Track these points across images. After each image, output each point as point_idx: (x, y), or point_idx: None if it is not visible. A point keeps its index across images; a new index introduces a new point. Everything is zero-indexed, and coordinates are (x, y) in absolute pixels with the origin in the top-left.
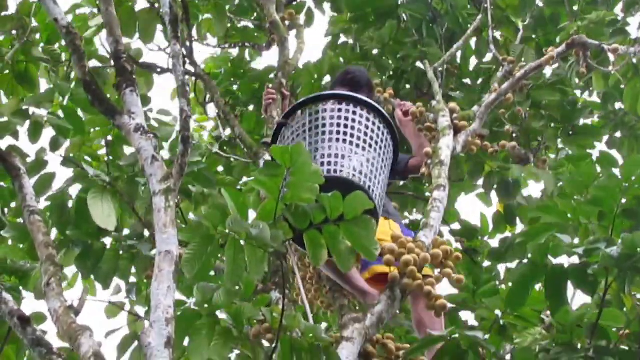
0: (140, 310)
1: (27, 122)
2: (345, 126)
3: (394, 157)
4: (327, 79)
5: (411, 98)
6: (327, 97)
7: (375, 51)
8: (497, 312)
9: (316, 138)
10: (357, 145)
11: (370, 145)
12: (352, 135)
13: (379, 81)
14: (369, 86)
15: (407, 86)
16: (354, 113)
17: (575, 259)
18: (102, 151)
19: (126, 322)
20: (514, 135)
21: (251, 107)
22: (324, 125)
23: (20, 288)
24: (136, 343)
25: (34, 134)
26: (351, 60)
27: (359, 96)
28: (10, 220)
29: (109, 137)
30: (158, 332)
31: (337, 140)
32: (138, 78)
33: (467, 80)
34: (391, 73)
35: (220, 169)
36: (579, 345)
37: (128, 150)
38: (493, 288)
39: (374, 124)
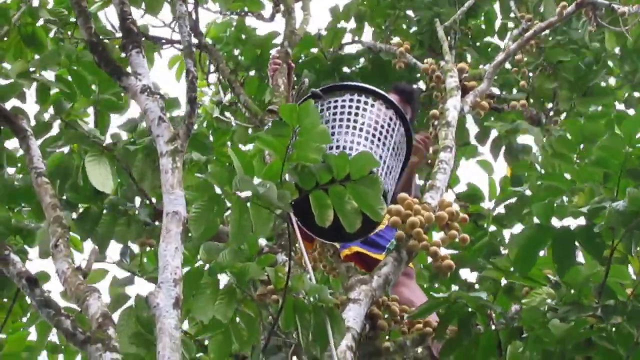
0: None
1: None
2: (362, 116)
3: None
4: (352, 24)
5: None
6: (356, 88)
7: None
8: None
9: (338, 129)
10: (373, 138)
11: (384, 142)
12: (370, 130)
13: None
14: (414, 108)
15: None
16: (372, 106)
17: (581, 221)
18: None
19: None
20: (529, 97)
21: (252, 73)
22: (342, 114)
23: (26, 247)
24: (127, 304)
25: (42, 97)
26: (377, 9)
27: (381, 92)
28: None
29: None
30: (166, 293)
31: (354, 130)
32: None
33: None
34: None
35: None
36: (587, 305)
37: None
38: (487, 243)
39: (390, 119)
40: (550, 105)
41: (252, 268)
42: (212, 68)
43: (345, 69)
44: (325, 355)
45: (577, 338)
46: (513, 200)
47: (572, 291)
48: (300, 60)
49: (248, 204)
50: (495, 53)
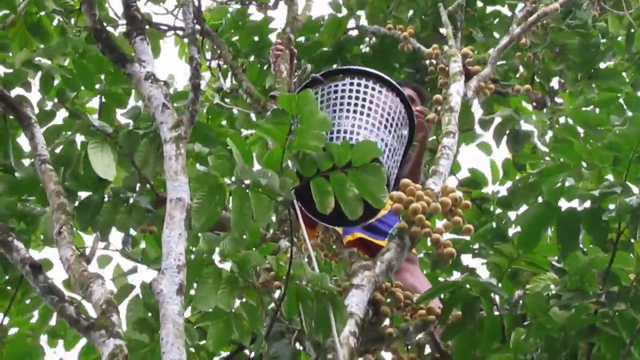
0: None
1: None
2: (364, 100)
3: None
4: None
5: (430, 41)
6: (360, 72)
7: None
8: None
9: (339, 113)
10: (374, 121)
11: (387, 126)
12: (370, 113)
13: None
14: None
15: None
16: (373, 90)
17: (587, 204)
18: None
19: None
20: (534, 78)
21: (251, 58)
22: (342, 98)
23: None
24: (133, 293)
25: (45, 85)
26: None
27: (386, 77)
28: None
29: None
30: (170, 279)
31: (355, 114)
32: None
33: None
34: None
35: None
36: (591, 291)
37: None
38: (490, 228)
39: (392, 102)
40: (555, 87)
41: (254, 256)
42: (211, 54)
43: (347, 55)
44: (328, 342)
45: (580, 324)
46: (519, 183)
47: (575, 278)
48: (302, 46)
49: (248, 192)
50: (502, 26)
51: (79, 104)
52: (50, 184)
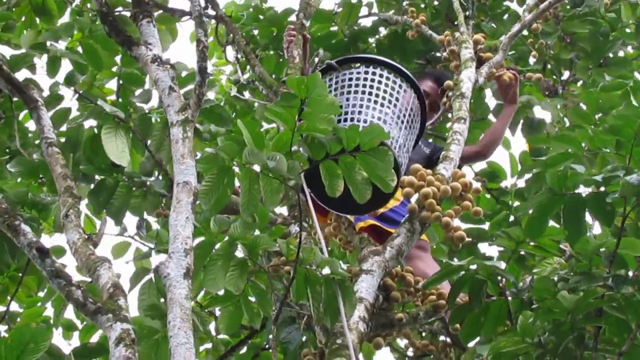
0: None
1: (45, 56)
2: (377, 89)
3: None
4: None
5: (442, 30)
6: (373, 60)
7: None
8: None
9: (353, 101)
10: (388, 110)
11: (399, 115)
12: (384, 103)
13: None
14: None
15: None
16: (387, 79)
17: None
18: (111, 93)
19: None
20: (546, 66)
21: (270, 52)
22: (357, 86)
23: (39, 219)
24: (147, 277)
25: (52, 68)
26: None
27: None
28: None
29: (120, 81)
30: (176, 263)
31: (369, 103)
32: (159, 26)
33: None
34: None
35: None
36: (598, 275)
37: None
38: (505, 216)
39: (405, 91)
40: (567, 75)
41: (264, 239)
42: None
43: (362, 45)
44: (337, 327)
45: (588, 308)
46: (532, 173)
47: (584, 262)
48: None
49: (258, 175)
50: (512, 19)
51: (97, 86)
52: (57, 167)
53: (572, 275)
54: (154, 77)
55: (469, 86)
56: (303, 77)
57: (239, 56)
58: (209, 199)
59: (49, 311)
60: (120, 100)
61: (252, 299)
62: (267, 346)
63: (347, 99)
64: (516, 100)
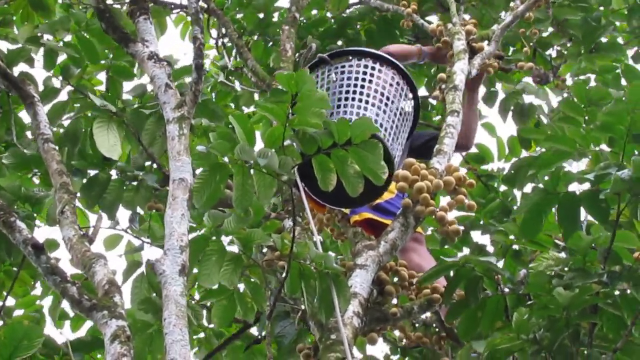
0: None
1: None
2: (369, 82)
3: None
4: None
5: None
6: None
7: None
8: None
9: (345, 95)
10: (380, 103)
11: (391, 107)
12: (376, 95)
13: None
14: None
15: None
16: (380, 71)
17: (587, 186)
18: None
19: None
20: (535, 53)
21: (255, 37)
22: (349, 79)
23: (35, 215)
24: (138, 271)
25: (49, 61)
26: None
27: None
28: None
29: (109, 73)
30: (172, 260)
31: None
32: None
33: None
34: None
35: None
36: (593, 271)
37: (127, 86)
38: (498, 205)
39: (397, 83)
40: (557, 62)
41: (258, 234)
42: (217, 33)
43: (351, 31)
44: (331, 322)
45: (583, 304)
46: (520, 161)
47: (579, 257)
48: (306, 22)
49: (251, 170)
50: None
51: (86, 79)
52: (52, 163)
53: (567, 272)
54: (150, 74)
55: (462, 78)
56: (292, 73)
57: (225, 41)
58: (201, 195)
59: (44, 301)
60: (109, 93)
61: (243, 288)
62: (259, 337)
63: (340, 92)
64: (479, 87)
